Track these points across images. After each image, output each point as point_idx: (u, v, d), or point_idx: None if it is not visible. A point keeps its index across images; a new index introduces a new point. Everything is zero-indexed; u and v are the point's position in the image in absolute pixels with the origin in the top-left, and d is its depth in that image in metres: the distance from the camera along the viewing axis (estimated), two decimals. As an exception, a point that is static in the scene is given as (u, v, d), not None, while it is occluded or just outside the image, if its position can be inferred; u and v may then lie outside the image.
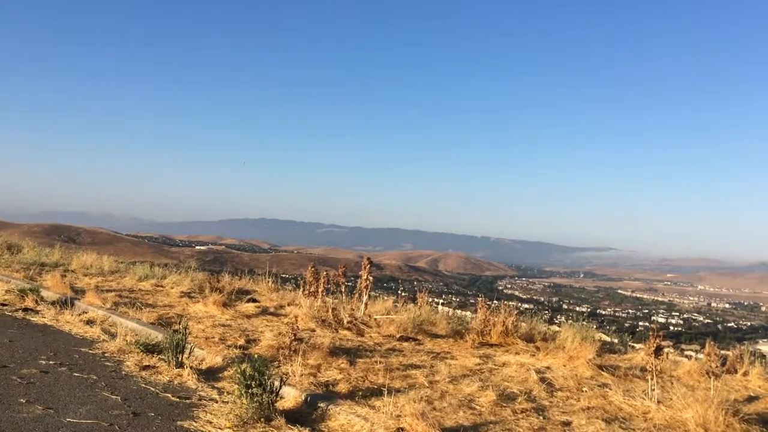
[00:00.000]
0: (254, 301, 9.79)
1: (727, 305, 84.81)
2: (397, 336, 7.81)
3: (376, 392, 5.25)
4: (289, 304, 9.71)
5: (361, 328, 8.08)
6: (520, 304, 9.33)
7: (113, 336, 7.00)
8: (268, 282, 11.45)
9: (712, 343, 7.40)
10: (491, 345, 7.81)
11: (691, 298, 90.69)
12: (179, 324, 6.70)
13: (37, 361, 5.88)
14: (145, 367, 5.89)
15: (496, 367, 6.63)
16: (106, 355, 6.34)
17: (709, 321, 67.54)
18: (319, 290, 9.11)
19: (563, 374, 6.30)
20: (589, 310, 62.29)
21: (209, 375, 5.80)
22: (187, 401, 5.03)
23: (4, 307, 8.34)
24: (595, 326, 8.95)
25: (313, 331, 7.83)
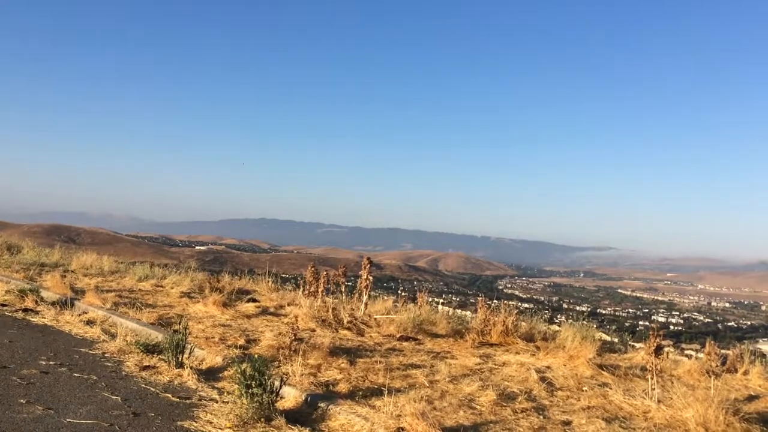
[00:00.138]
0: (254, 301, 9.79)
1: (727, 304, 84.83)
2: (397, 336, 7.81)
3: (377, 392, 5.25)
4: (289, 304, 9.71)
5: (361, 328, 8.08)
6: (520, 304, 9.33)
7: (113, 336, 7.00)
8: (268, 282, 11.45)
9: (712, 342, 7.40)
10: (491, 344, 7.81)
11: (691, 298, 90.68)
12: (179, 324, 6.70)
13: (37, 362, 5.88)
14: (146, 368, 5.89)
15: (497, 367, 6.63)
16: (106, 355, 6.34)
17: (709, 320, 67.55)
18: (319, 290, 9.11)
19: (563, 374, 6.30)
20: (589, 309, 62.29)
21: (209, 375, 5.80)
22: (188, 401, 5.03)
23: (4, 308, 8.33)
24: (595, 326, 8.95)
25: (313, 331, 7.83)
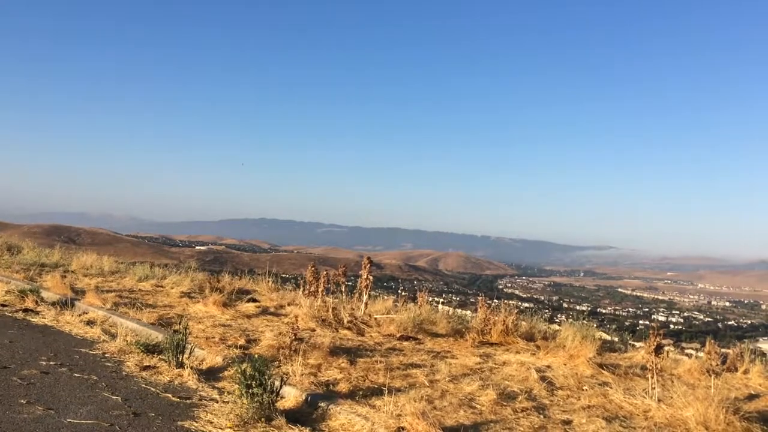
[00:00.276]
0: (254, 301, 9.79)
1: (727, 303, 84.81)
2: (398, 335, 7.82)
3: (377, 392, 5.25)
4: (289, 304, 9.71)
5: (362, 328, 8.08)
6: (520, 303, 9.33)
7: (113, 336, 7.00)
8: (269, 282, 11.46)
9: (712, 341, 7.41)
10: (491, 344, 7.81)
11: (692, 297, 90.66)
12: (179, 324, 6.70)
13: (38, 362, 5.88)
14: (146, 368, 5.90)
15: (497, 366, 6.63)
16: (106, 355, 6.34)
17: (709, 319, 67.54)
18: (320, 290, 9.11)
19: (564, 373, 6.30)
20: (589, 308, 62.28)
21: (210, 375, 5.80)
22: (188, 401, 5.03)
23: (5, 308, 8.34)
24: (595, 325, 8.96)
25: (314, 330, 7.83)
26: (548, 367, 6.64)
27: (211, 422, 4.56)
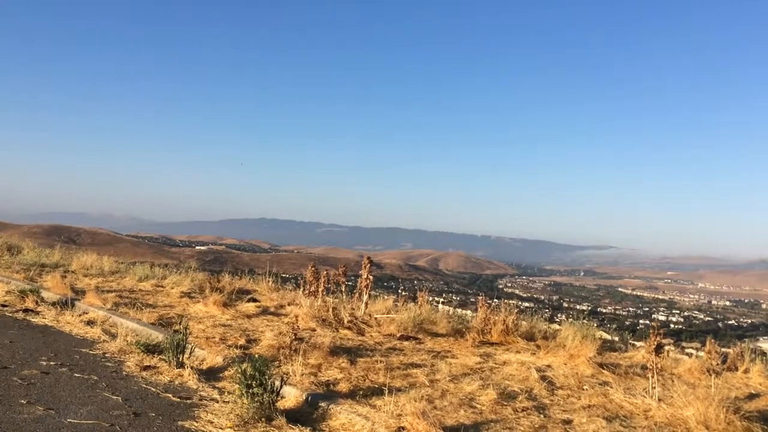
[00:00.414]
0: (255, 300, 9.79)
1: (727, 303, 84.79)
2: (398, 335, 7.82)
3: (377, 391, 5.25)
4: (289, 304, 9.71)
5: (362, 328, 8.08)
6: (520, 303, 9.35)
7: (114, 336, 7.00)
8: (269, 282, 11.46)
9: (712, 340, 7.41)
10: (492, 344, 7.81)
11: (692, 296, 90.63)
12: (180, 324, 6.70)
13: (38, 362, 5.89)
14: (146, 368, 5.90)
15: (497, 366, 6.63)
16: (106, 355, 6.34)
17: (709, 319, 67.51)
18: (320, 290, 9.11)
19: (564, 372, 6.30)
20: (589, 308, 62.27)
21: (210, 375, 5.80)
22: (188, 401, 5.03)
23: (5, 308, 8.34)
24: (595, 324, 8.96)
25: (314, 330, 7.83)
26: (548, 366, 6.64)
27: (212, 422, 4.56)
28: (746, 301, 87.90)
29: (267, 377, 4.75)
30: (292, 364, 5.87)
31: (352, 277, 10.04)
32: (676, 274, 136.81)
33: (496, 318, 8.13)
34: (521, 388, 5.75)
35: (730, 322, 64.74)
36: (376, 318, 8.40)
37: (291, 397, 5.07)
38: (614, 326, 10.25)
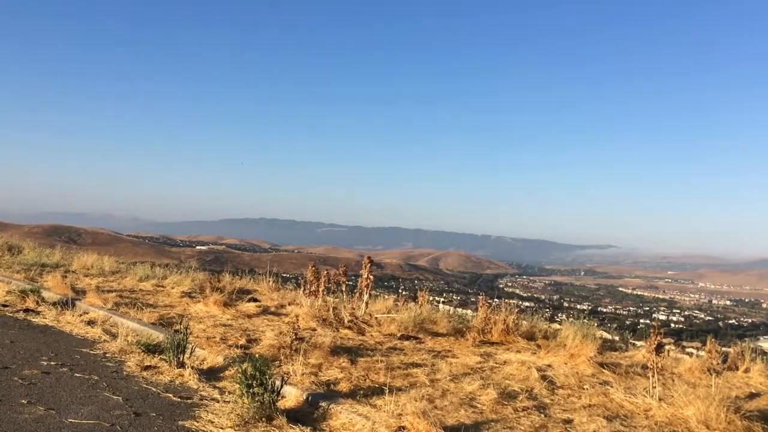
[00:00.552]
0: (255, 300, 9.79)
1: (727, 302, 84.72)
2: (398, 335, 7.82)
3: (378, 391, 5.25)
4: (290, 304, 9.71)
5: (362, 327, 8.08)
6: (520, 303, 9.37)
7: (114, 336, 7.00)
8: (269, 281, 11.46)
9: (713, 340, 7.41)
10: (492, 343, 7.82)
11: (692, 296, 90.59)
12: (180, 324, 6.70)
13: (39, 362, 5.89)
14: (147, 368, 5.90)
15: (498, 366, 6.63)
16: (107, 355, 6.35)
17: (710, 318, 67.47)
18: (320, 289, 9.11)
19: (564, 372, 6.30)
20: (590, 307, 62.24)
21: (210, 375, 5.80)
22: (189, 401, 5.03)
23: (6, 308, 8.34)
24: (596, 324, 8.95)
25: (314, 330, 7.83)
26: (549, 366, 6.64)
27: (212, 422, 4.56)
28: (747, 300, 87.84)
29: (267, 377, 4.75)
30: (293, 364, 5.88)
31: (353, 277, 10.04)
32: (676, 273, 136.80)
33: (497, 317, 8.13)
34: (522, 387, 5.75)
35: (730, 322, 64.68)
36: (376, 318, 8.40)
37: (291, 396, 5.07)
38: (615, 326, 10.24)
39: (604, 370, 6.56)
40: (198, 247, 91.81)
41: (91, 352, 6.45)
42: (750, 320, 66.76)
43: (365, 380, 5.65)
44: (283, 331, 7.52)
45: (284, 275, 13.15)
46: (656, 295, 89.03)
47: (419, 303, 9.29)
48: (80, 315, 8.07)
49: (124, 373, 5.76)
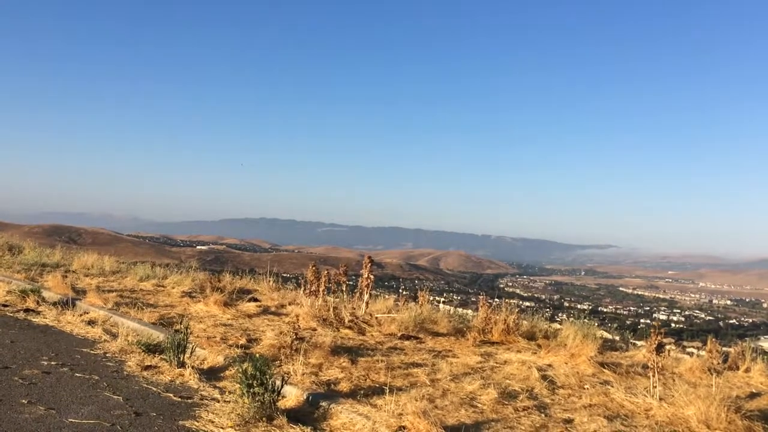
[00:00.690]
0: (255, 300, 9.79)
1: (728, 302, 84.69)
2: (399, 334, 7.81)
3: (378, 391, 5.25)
4: (290, 304, 9.71)
5: (363, 327, 8.08)
6: (521, 302, 9.38)
7: (115, 336, 7.00)
8: (269, 281, 11.46)
9: (713, 339, 7.40)
10: (493, 343, 7.81)
11: (693, 295, 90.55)
12: (181, 324, 6.70)
13: (39, 362, 5.89)
14: (147, 367, 5.90)
15: (498, 365, 6.63)
16: (107, 355, 6.35)
17: (710, 318, 67.43)
18: (320, 289, 9.11)
19: (565, 372, 6.29)
20: (590, 307, 62.21)
21: (211, 374, 5.80)
22: (189, 401, 5.03)
23: (6, 308, 8.34)
24: (596, 324, 8.95)
25: (315, 330, 7.83)
26: (549, 365, 6.64)
27: (213, 422, 4.56)
28: (747, 300, 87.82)
29: (268, 377, 4.75)
30: (293, 364, 5.88)
31: (353, 277, 10.04)
32: (677, 273, 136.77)
33: (497, 317, 8.13)
34: (522, 387, 5.75)
35: (731, 321, 64.65)
36: (377, 317, 8.40)
37: (292, 396, 5.07)
38: (615, 325, 10.24)
39: (604, 370, 6.56)
40: (198, 247, 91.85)
41: (92, 351, 6.45)
42: (750, 320, 66.72)
43: (366, 380, 5.64)
44: (284, 330, 7.52)
45: (284, 275, 13.16)
46: (657, 295, 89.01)
47: (420, 303, 9.29)
48: (81, 315, 8.07)
49: (125, 372, 5.76)
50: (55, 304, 8.59)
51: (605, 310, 67.33)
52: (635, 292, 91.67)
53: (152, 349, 6.34)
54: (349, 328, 8.01)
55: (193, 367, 5.77)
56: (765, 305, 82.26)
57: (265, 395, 4.65)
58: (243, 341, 6.88)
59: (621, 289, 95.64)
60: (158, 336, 6.89)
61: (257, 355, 5.40)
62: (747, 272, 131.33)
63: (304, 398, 5.05)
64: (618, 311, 67.01)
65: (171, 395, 5.14)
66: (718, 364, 7.09)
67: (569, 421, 4.89)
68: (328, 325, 8.02)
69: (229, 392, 5.25)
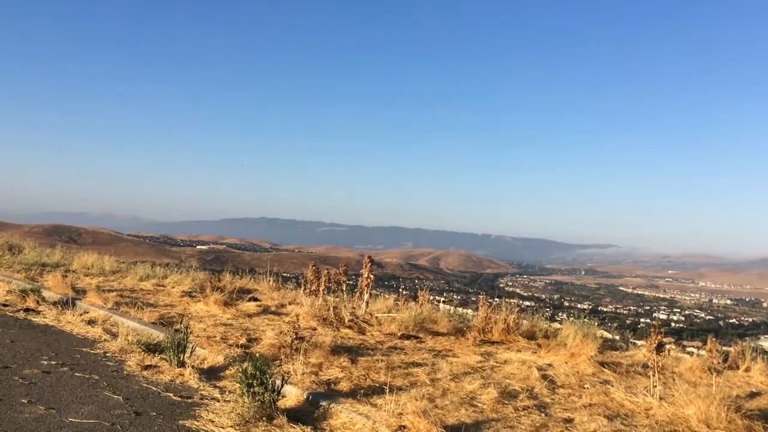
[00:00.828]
0: (255, 300, 9.79)
1: (728, 301, 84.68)
2: (399, 334, 7.81)
3: (378, 390, 5.25)
4: (290, 303, 9.71)
5: (363, 327, 8.08)
6: (521, 302, 9.37)
7: (115, 336, 7.00)
8: (269, 281, 11.46)
9: (713, 339, 7.40)
10: (493, 342, 7.81)
11: (693, 295, 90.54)
12: (181, 323, 6.70)
13: (39, 362, 5.89)
14: (147, 367, 5.90)
15: (498, 365, 6.63)
16: (107, 354, 6.35)
17: (710, 317, 67.43)
18: (321, 289, 9.11)
19: (565, 371, 6.29)
20: (590, 307, 62.20)
21: (211, 374, 5.80)
22: (189, 400, 5.03)
23: (6, 308, 8.34)
24: (596, 323, 8.95)
25: (315, 329, 7.83)
26: (549, 365, 6.64)
27: (213, 421, 4.56)
28: (747, 299, 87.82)
29: (268, 376, 4.75)
30: (293, 363, 5.88)
31: (353, 276, 10.04)
32: (677, 272, 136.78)
33: (497, 317, 8.13)
34: (522, 386, 5.75)
35: (731, 321, 64.64)
36: (377, 317, 8.40)
37: (292, 396, 5.07)
38: (615, 325, 10.25)
39: (604, 369, 6.56)
40: (198, 247, 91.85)
41: (92, 351, 6.45)
42: (750, 319, 66.73)
43: (366, 379, 5.64)
44: (284, 330, 7.52)
45: (285, 275, 13.16)
46: (657, 295, 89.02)
47: (420, 302, 9.29)
48: (81, 314, 8.07)
49: (125, 372, 5.76)
50: (55, 303, 8.59)
51: (605, 309, 67.34)
52: (635, 291, 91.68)
53: (152, 348, 6.34)
54: (349, 327, 8.01)
55: (193, 367, 5.77)
56: (765, 304, 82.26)
57: (265, 395, 4.65)
58: (243, 341, 6.88)
59: (621, 288, 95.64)
60: (158, 335, 6.89)
61: (257, 355, 5.40)
62: (747, 272, 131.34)
63: (304, 398, 5.05)
64: (618, 311, 67.03)
65: (171, 395, 5.14)
66: (718, 363, 7.10)
67: (569, 420, 4.89)
68: (328, 325, 8.02)
69: (229, 392, 5.26)
